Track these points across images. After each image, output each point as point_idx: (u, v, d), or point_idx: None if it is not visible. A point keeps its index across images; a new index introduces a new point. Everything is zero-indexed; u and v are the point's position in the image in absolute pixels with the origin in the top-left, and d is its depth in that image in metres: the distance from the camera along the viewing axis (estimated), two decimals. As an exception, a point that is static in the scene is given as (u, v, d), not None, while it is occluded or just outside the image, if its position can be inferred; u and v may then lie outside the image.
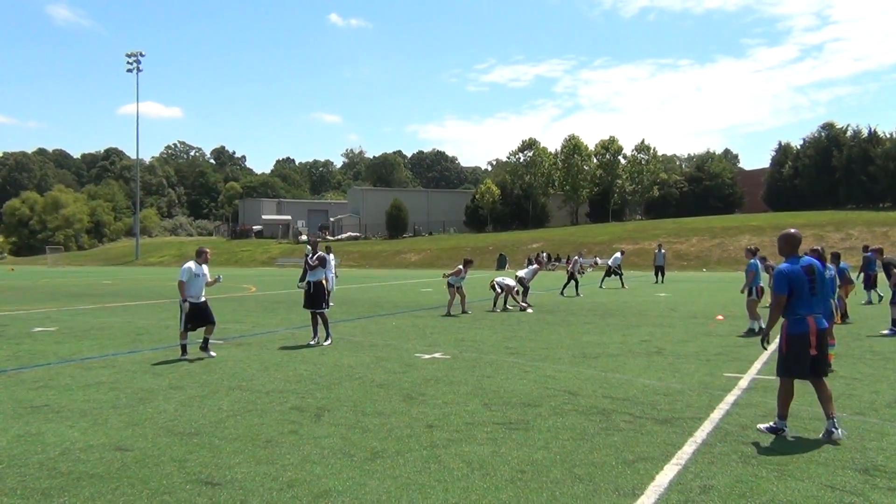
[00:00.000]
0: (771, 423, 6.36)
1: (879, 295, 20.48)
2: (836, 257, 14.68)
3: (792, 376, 6.29)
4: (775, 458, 5.57)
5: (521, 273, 19.97)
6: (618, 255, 30.68)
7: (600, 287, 28.72)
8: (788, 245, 6.46)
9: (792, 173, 77.74)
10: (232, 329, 14.54)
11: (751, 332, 13.40)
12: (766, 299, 15.36)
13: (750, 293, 13.90)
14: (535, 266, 21.18)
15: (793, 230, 6.58)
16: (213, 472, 5.25)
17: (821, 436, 6.11)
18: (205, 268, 10.91)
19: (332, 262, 20.04)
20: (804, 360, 6.19)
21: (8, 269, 70.31)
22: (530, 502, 4.64)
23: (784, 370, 6.33)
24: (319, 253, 12.42)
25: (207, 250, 11.10)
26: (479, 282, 28.69)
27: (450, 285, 18.05)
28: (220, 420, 6.85)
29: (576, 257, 26.94)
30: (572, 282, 24.80)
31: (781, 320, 6.41)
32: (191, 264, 10.78)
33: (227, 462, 5.50)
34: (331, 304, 12.78)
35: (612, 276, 29.64)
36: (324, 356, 11.00)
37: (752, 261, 14.04)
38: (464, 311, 17.94)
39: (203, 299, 10.83)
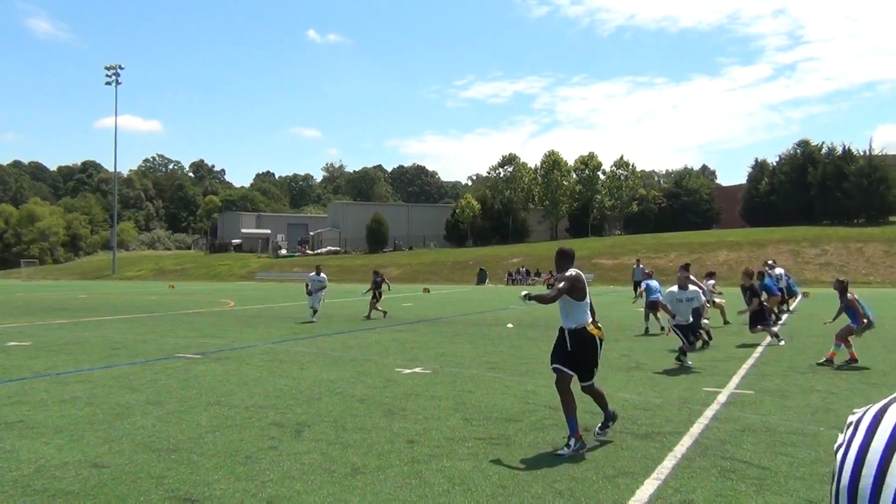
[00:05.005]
0: None
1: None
2: (761, 275, 18.74)
3: None
4: (754, 473, 5.61)
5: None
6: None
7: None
8: None
9: (768, 189, 78.70)
10: (210, 343, 14.40)
11: (647, 332, 16.24)
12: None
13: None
14: None
15: None
16: (192, 489, 5.19)
17: None
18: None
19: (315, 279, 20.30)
20: None
21: (-19, 282, 69.21)
22: (512, 518, 4.63)
23: None
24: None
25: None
26: (460, 296, 28.69)
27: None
28: (198, 436, 6.78)
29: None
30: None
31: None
32: None
33: (206, 478, 5.44)
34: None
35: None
36: (304, 371, 10.93)
37: (646, 281, 17.53)
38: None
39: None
